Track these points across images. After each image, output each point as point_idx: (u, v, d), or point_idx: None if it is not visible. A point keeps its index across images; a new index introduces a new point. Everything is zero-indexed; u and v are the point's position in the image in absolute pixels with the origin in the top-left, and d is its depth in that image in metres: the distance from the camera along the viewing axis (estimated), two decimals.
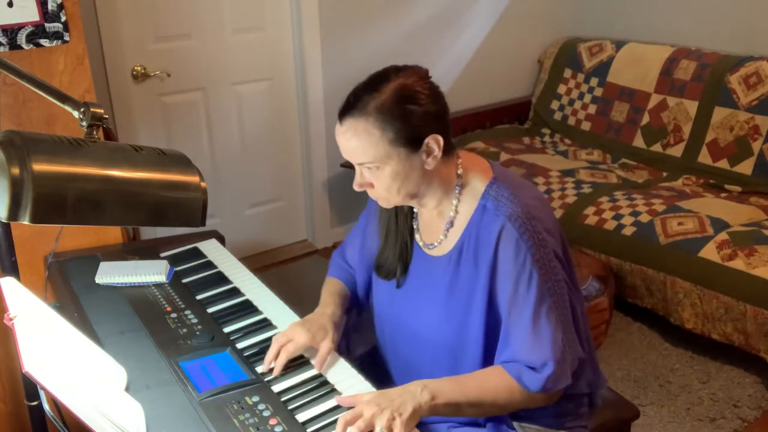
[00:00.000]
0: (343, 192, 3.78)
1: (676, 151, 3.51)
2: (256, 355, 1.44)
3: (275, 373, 1.37)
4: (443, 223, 1.38)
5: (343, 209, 3.83)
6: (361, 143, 1.27)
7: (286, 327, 1.46)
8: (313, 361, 1.41)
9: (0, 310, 1.27)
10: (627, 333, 2.92)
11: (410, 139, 1.26)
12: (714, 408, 2.48)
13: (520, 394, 1.31)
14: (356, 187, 1.35)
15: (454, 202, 1.36)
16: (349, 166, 3.57)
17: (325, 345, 1.41)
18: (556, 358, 1.28)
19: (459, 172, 1.36)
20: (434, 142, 1.28)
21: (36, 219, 0.97)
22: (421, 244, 1.44)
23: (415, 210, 1.46)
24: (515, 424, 1.45)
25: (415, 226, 1.46)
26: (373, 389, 1.34)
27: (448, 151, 1.32)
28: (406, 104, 1.25)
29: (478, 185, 1.35)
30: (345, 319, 1.56)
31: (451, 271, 1.37)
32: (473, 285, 1.33)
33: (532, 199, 1.33)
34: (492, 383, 1.31)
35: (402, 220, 1.46)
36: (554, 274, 1.30)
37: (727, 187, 3.25)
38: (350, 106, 1.28)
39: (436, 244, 1.41)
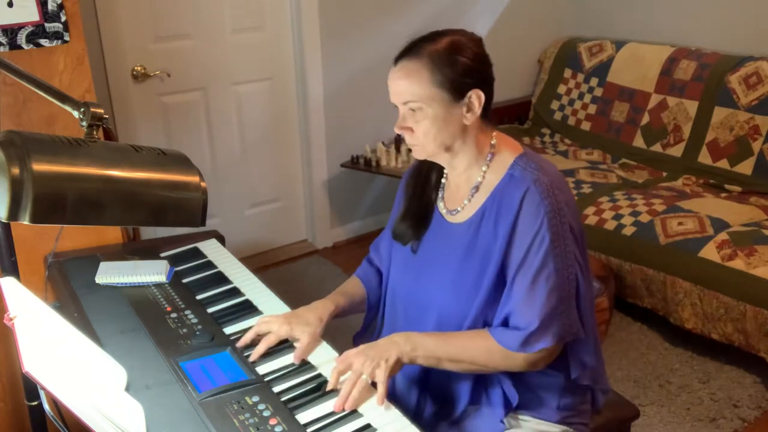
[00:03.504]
0: (343, 192, 3.78)
1: (676, 151, 3.51)
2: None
3: (252, 358, 1.42)
4: (469, 188, 1.43)
5: (343, 209, 3.83)
6: (410, 82, 1.34)
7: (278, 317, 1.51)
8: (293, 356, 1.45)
9: (0, 310, 1.27)
10: (627, 333, 2.92)
11: (455, 87, 1.33)
12: (714, 408, 2.48)
13: (498, 354, 1.36)
14: (396, 129, 1.41)
15: (484, 168, 1.42)
16: (349, 167, 3.57)
17: (303, 339, 1.46)
18: (542, 319, 1.32)
19: (492, 142, 1.43)
20: (476, 98, 1.35)
21: (36, 219, 0.97)
22: (443, 211, 1.48)
23: (443, 180, 1.51)
24: (519, 416, 1.46)
25: (440, 195, 1.51)
26: (375, 389, 1.34)
27: (487, 118, 1.40)
28: (458, 55, 1.34)
29: (507, 157, 1.41)
30: (341, 312, 1.58)
31: (470, 236, 1.41)
32: (490, 249, 1.37)
33: (556, 175, 1.39)
34: (473, 344, 1.37)
35: (429, 190, 1.52)
36: (565, 244, 1.34)
37: (727, 187, 3.25)
38: (407, 50, 1.37)
39: (459, 209, 1.45)
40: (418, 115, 1.36)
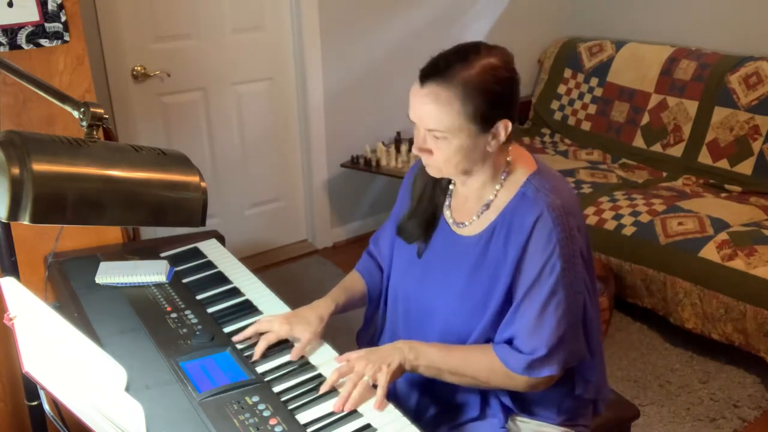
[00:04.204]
0: (343, 192, 3.78)
1: (676, 151, 3.51)
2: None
3: (254, 357, 1.42)
4: (479, 205, 1.40)
5: (343, 209, 3.83)
6: (438, 111, 1.27)
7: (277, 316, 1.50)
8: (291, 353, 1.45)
9: (0, 310, 1.27)
10: (627, 333, 2.92)
11: (485, 119, 1.28)
12: (714, 408, 2.48)
13: (501, 374, 1.34)
14: (415, 150, 1.35)
15: (497, 187, 1.38)
16: (349, 167, 3.57)
17: (304, 336, 1.45)
18: (550, 347, 1.31)
19: (508, 159, 1.39)
20: (503, 127, 1.30)
21: (36, 219, 0.97)
22: (450, 221, 1.45)
23: (451, 187, 1.48)
24: (518, 419, 1.46)
25: (447, 203, 1.47)
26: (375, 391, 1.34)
27: (507, 139, 1.34)
28: (492, 84, 1.26)
29: (521, 174, 1.38)
30: (341, 309, 1.57)
31: (478, 251, 1.38)
32: (499, 268, 1.35)
33: (569, 197, 1.36)
34: (475, 359, 1.36)
35: (438, 193, 1.48)
36: (575, 271, 1.32)
37: (727, 187, 3.25)
38: (437, 71, 1.27)
39: (467, 223, 1.42)
40: (441, 142, 1.30)
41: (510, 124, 1.30)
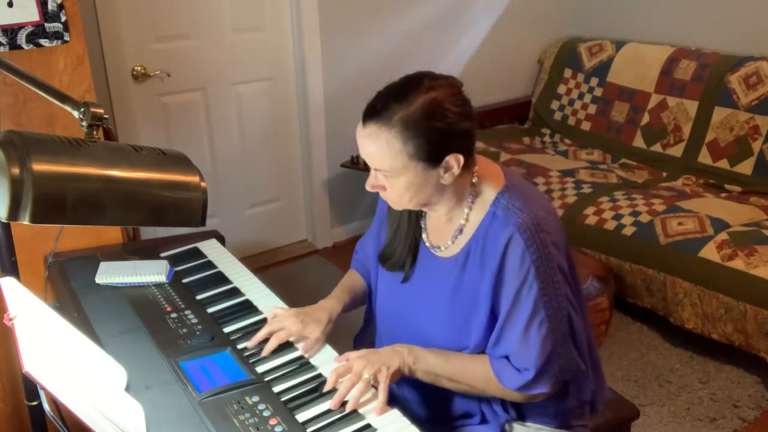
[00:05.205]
0: (343, 192, 3.78)
1: (676, 151, 3.51)
2: (256, 355, 1.44)
3: (264, 354, 1.43)
4: (452, 229, 1.38)
5: (343, 209, 3.83)
6: (379, 151, 1.25)
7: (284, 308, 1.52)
8: (301, 348, 1.47)
9: (0, 310, 1.27)
10: (627, 333, 2.92)
11: (430, 156, 1.25)
12: (714, 408, 2.48)
13: (496, 385, 1.35)
14: (368, 188, 1.34)
15: (466, 210, 1.36)
16: (349, 167, 3.57)
17: (314, 334, 1.46)
18: (537, 367, 1.31)
19: (474, 180, 1.35)
20: (454, 160, 1.26)
21: (36, 219, 0.97)
22: (428, 244, 1.44)
23: (424, 210, 1.46)
24: (514, 423, 1.46)
25: (423, 225, 1.46)
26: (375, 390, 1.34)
27: (468, 164, 1.30)
28: (433, 121, 1.22)
29: (489, 193, 1.34)
30: (346, 309, 1.57)
31: (456, 273, 1.37)
32: (478, 288, 1.34)
33: (542, 210, 1.32)
34: (472, 368, 1.36)
35: (414, 217, 1.46)
36: (555, 288, 1.30)
37: (727, 187, 3.25)
38: (375, 112, 1.25)
39: (443, 247, 1.41)
40: (391, 180, 1.29)
41: (462, 158, 1.26)
